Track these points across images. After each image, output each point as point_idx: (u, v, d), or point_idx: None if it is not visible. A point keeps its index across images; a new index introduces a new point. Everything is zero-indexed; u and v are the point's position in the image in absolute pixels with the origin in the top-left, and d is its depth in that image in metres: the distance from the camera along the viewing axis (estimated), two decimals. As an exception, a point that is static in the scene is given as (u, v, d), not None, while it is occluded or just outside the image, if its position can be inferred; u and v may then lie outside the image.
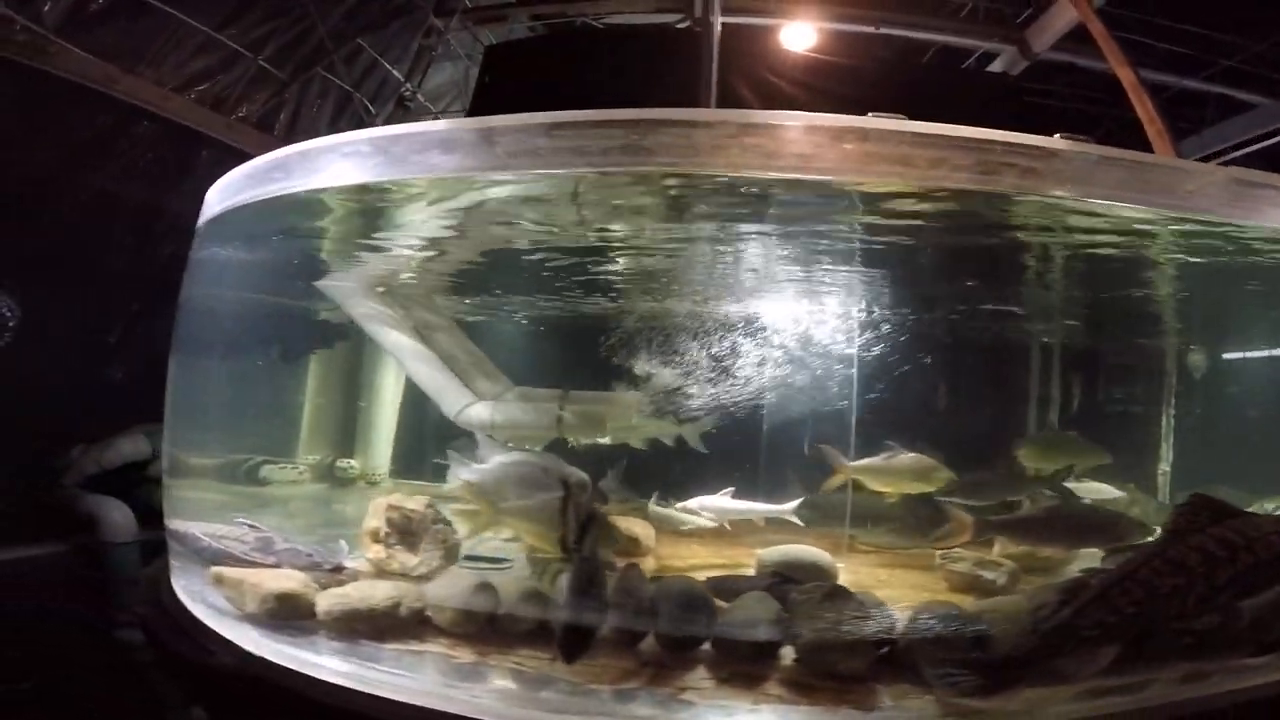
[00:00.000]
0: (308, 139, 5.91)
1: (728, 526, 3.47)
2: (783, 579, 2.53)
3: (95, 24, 4.47)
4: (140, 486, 4.65)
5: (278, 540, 2.75)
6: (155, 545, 4.51)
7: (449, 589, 2.44)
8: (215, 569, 2.47)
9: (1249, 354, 4.10)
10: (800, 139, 2.02)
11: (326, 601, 2.37)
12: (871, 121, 2.00)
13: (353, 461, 4.45)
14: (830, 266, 3.07)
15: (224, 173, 5.20)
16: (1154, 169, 2.28)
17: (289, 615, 2.36)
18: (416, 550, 2.92)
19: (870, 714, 1.93)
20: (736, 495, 3.50)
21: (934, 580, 2.94)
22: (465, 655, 2.25)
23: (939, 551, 2.97)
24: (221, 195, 2.94)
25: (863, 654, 2.05)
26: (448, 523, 2.99)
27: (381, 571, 2.80)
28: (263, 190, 2.72)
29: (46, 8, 4.19)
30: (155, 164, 5.16)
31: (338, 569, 2.73)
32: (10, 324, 4.38)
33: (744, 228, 2.80)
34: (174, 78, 5.09)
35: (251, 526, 2.81)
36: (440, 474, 3.65)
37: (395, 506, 2.98)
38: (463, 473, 2.99)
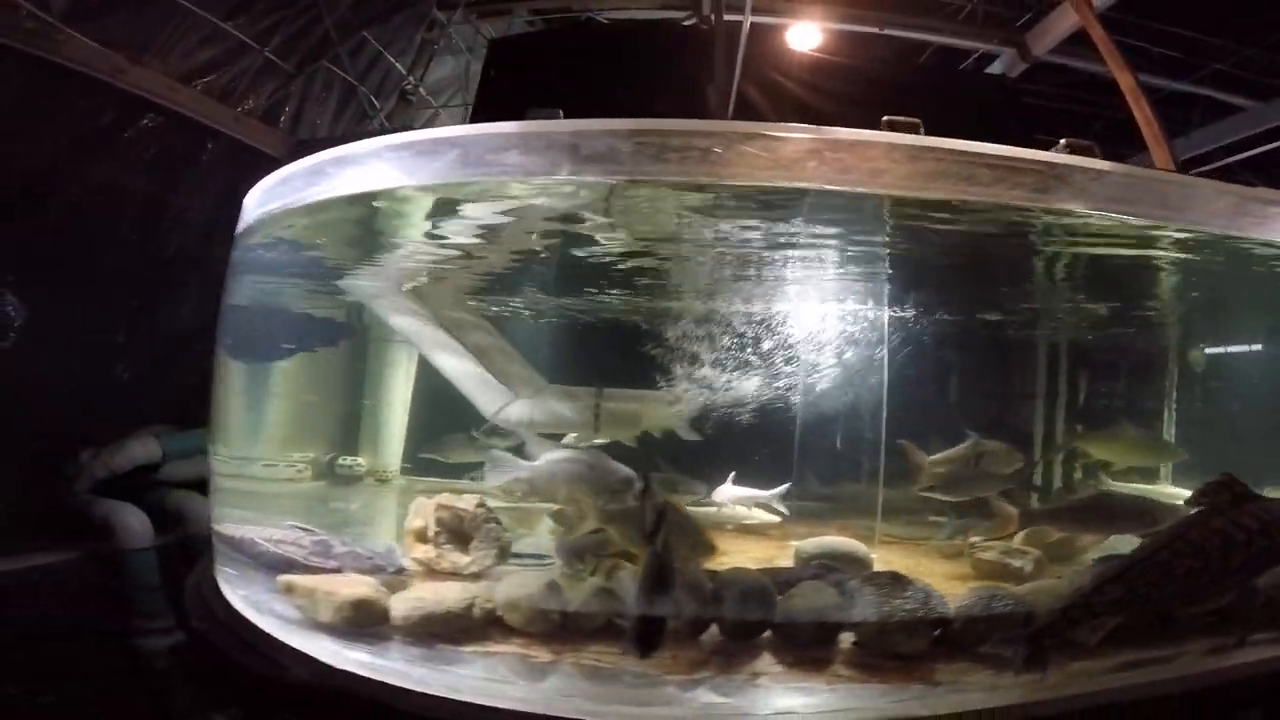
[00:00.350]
0: (312, 133, 5.81)
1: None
2: (827, 568, 2.60)
3: (101, 12, 4.31)
4: (152, 490, 4.47)
5: (335, 543, 2.64)
6: (172, 551, 4.38)
7: (520, 588, 2.38)
8: (285, 578, 2.36)
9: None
10: (878, 156, 2.11)
11: (403, 606, 2.29)
12: (941, 141, 2.10)
13: (358, 459, 4.31)
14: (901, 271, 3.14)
15: (230, 166, 5.08)
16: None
17: (364, 623, 2.27)
18: (468, 549, 2.88)
19: (937, 688, 2.07)
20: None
21: (963, 568, 3.05)
22: (542, 654, 2.22)
23: (970, 541, 3.08)
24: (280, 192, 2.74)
25: (923, 635, 2.20)
26: (499, 521, 2.94)
27: (432, 572, 2.75)
28: (320, 189, 2.57)
29: (52, -8, 4.01)
30: (160, 158, 4.95)
31: (399, 571, 2.63)
32: (15, 323, 4.18)
33: (820, 230, 2.79)
34: (180, 68, 4.92)
35: (304, 530, 2.69)
36: (450, 471, 3.83)
37: (446, 506, 2.94)
38: (513, 470, 2.95)
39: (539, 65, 7.13)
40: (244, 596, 2.50)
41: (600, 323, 4.07)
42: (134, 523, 4.12)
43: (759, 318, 3.20)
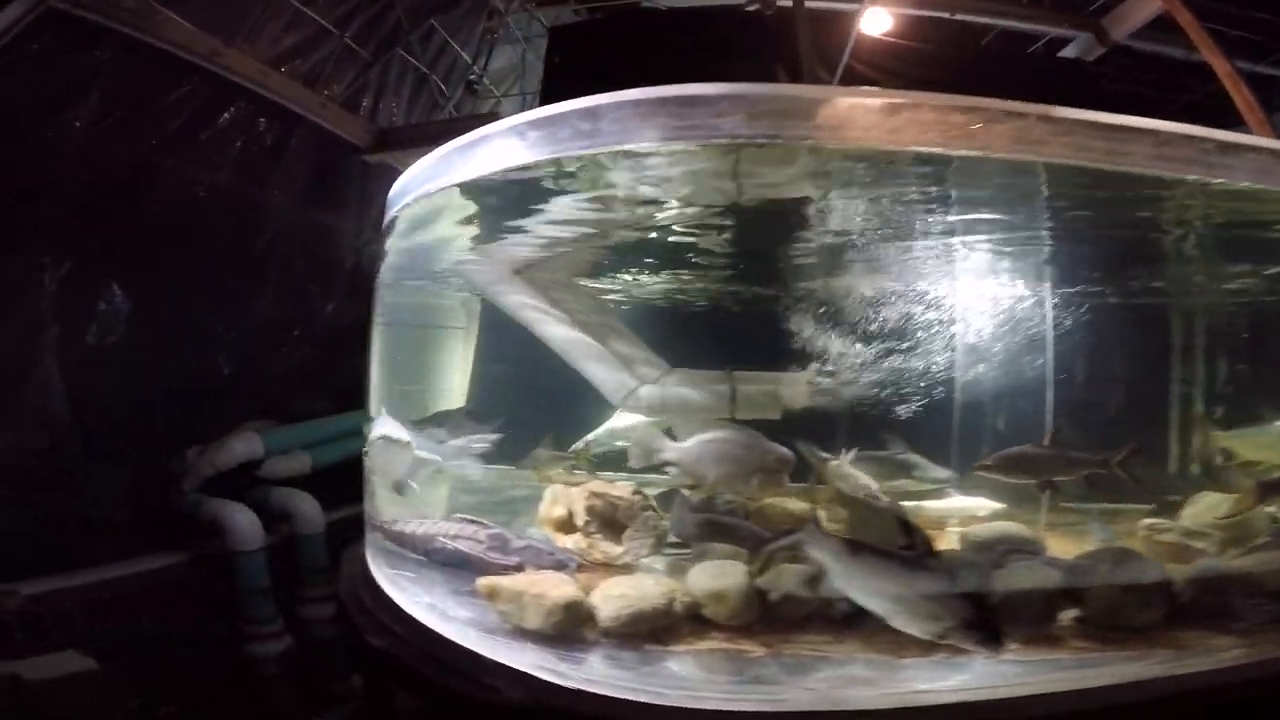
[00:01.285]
0: (389, 121, 5.64)
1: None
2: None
3: (192, -5, 4.15)
4: (256, 488, 4.31)
5: (511, 537, 2.45)
6: (277, 550, 4.21)
7: (724, 579, 2.20)
8: (486, 580, 2.13)
9: None
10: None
11: (610, 606, 2.08)
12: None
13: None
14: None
15: (316, 155, 4.92)
16: None
17: (573, 626, 2.06)
18: (621, 539, 2.73)
19: (1181, 652, 2.07)
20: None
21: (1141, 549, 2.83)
22: (752, 648, 2.08)
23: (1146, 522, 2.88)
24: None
25: (1158, 606, 2.18)
26: (656, 509, 2.80)
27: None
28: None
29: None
30: (249, 148, 4.80)
31: (580, 567, 2.44)
32: (122, 316, 4.02)
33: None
34: (267, 54, 4.76)
35: (473, 522, 2.51)
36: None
37: (599, 494, 2.80)
38: (665, 452, 2.85)
39: (601, 52, 6.98)
40: (429, 605, 2.27)
41: (732, 304, 3.90)
42: (244, 523, 3.95)
43: (915, 296, 3.03)
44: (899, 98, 2.15)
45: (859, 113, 2.12)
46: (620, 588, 2.14)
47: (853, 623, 2.08)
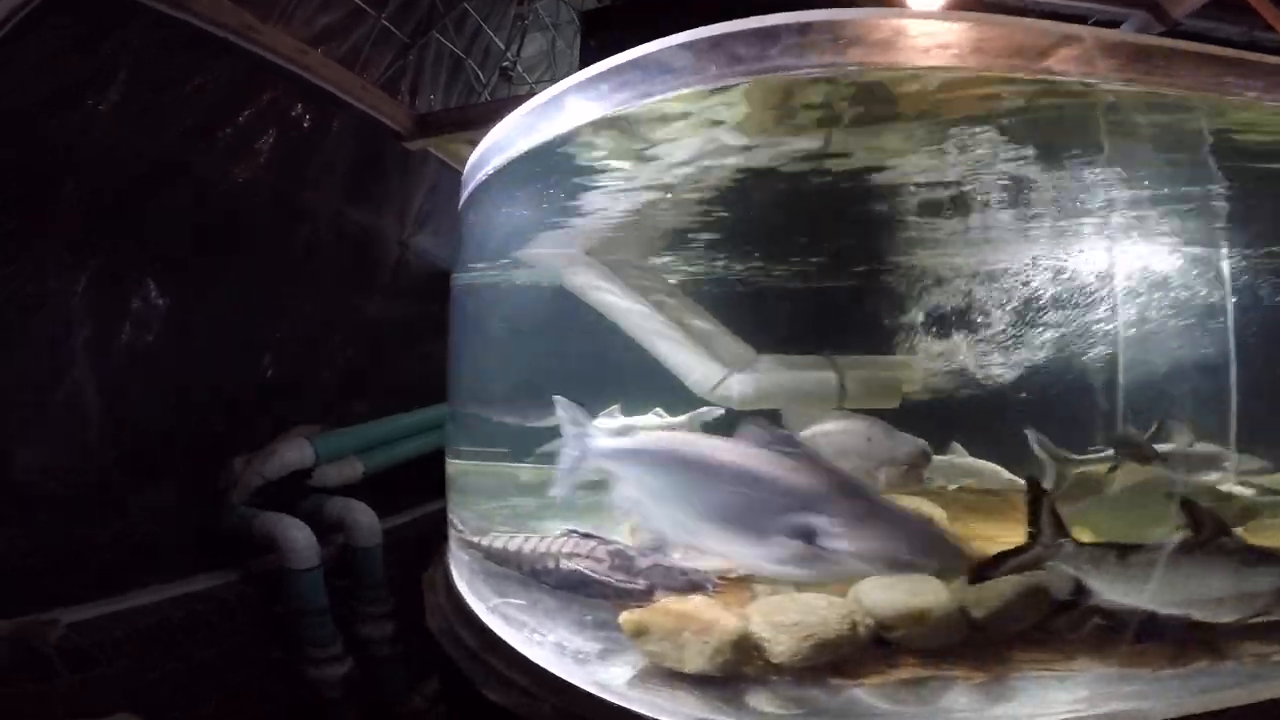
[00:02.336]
0: (429, 107, 5.29)
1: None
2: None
3: (223, -34, 3.81)
4: (308, 499, 3.97)
5: (635, 554, 2.08)
6: (331, 564, 3.87)
7: (922, 597, 1.82)
8: (631, 616, 1.74)
9: None
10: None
11: (785, 638, 1.69)
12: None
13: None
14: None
15: (358, 143, 4.60)
16: None
17: (740, 664, 1.68)
18: None
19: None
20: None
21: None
22: (971, 674, 1.71)
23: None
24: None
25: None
26: None
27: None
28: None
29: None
30: (290, 132, 4.46)
31: (718, 587, 2.07)
32: (160, 315, 3.69)
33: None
34: (303, 34, 4.41)
35: (589, 536, 2.15)
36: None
37: None
38: None
39: (637, 33, 6.68)
40: (555, 644, 1.87)
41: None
42: (299, 539, 3.59)
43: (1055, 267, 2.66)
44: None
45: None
46: (788, 613, 1.75)
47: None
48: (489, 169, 2.72)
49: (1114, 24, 7.87)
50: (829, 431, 2.60)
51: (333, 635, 3.69)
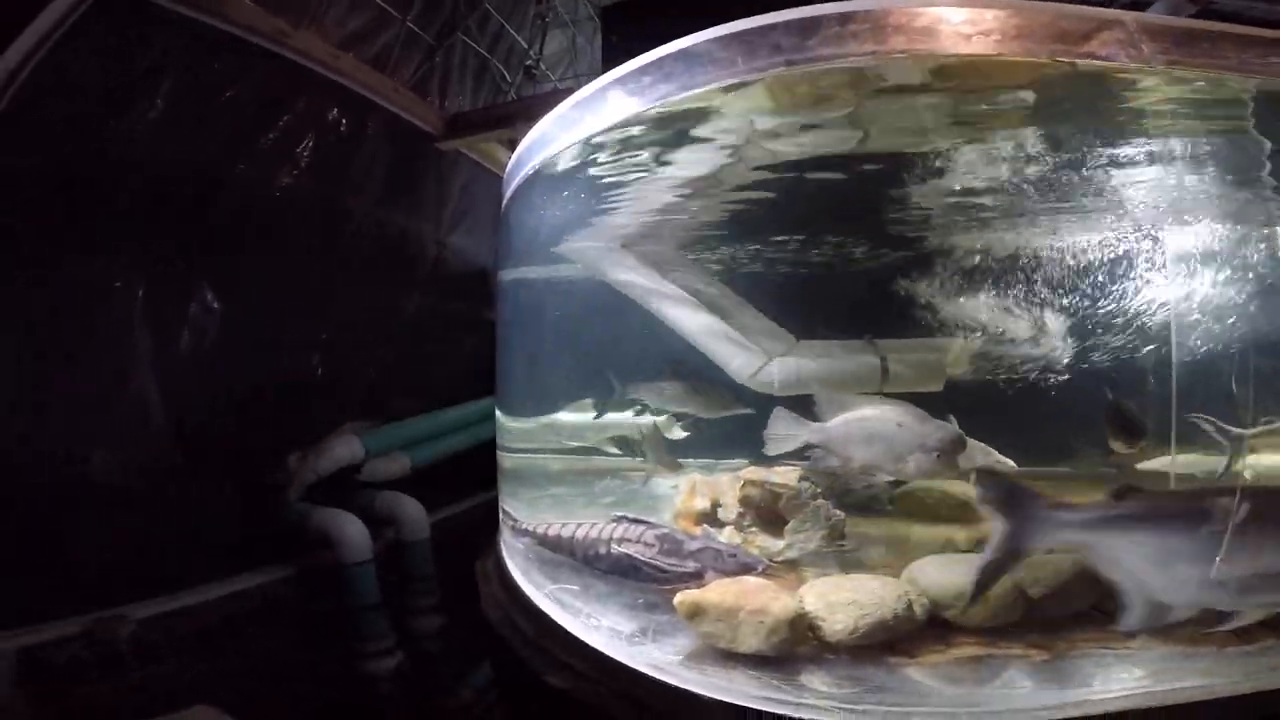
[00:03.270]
0: (457, 108, 5.35)
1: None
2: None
3: (253, -27, 3.90)
4: (359, 493, 4.08)
5: (683, 537, 2.12)
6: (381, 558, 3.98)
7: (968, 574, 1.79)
8: (686, 597, 1.77)
9: None
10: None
11: (842, 617, 1.72)
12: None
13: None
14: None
15: (393, 144, 4.67)
16: None
17: (795, 644, 1.71)
18: (782, 531, 2.46)
19: None
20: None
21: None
22: (1031, 652, 1.73)
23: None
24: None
25: None
26: (825, 498, 2.52)
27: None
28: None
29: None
30: (328, 136, 4.57)
31: (768, 569, 2.10)
32: (215, 319, 3.81)
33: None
34: (334, 38, 4.50)
35: (637, 521, 2.18)
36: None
37: (755, 481, 2.54)
38: (801, 432, 2.52)
39: (658, 28, 6.67)
40: (609, 628, 1.90)
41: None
42: (353, 533, 3.70)
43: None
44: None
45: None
46: (843, 593, 1.79)
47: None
48: (532, 165, 2.77)
49: (1144, 5, 7.67)
50: (861, 418, 2.51)
51: (385, 629, 3.79)
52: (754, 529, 2.51)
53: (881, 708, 1.52)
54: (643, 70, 2.18)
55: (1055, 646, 1.71)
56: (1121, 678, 1.63)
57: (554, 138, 2.62)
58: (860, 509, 2.83)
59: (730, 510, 2.61)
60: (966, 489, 2.74)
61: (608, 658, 1.78)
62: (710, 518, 2.63)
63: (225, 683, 3.33)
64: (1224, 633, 1.68)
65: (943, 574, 1.85)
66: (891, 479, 2.68)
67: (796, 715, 1.53)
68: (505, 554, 2.50)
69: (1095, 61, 1.78)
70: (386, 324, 5.10)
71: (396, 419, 4.70)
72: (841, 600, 1.75)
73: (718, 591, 1.76)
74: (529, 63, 7.21)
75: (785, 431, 2.54)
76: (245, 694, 3.35)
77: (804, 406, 2.63)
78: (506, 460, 2.72)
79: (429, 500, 4.38)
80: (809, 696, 1.60)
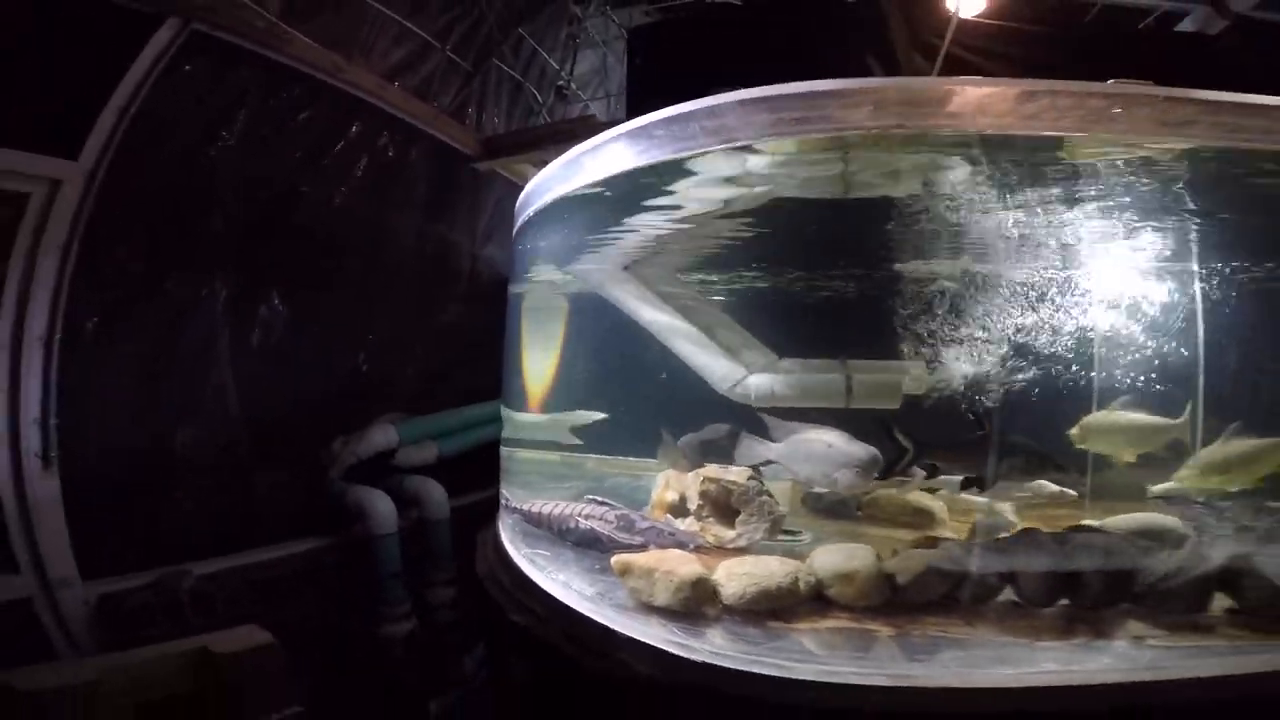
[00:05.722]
0: (493, 130, 5.87)
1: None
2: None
3: (310, 13, 4.46)
4: (391, 476, 4.67)
5: (637, 518, 2.61)
6: (406, 534, 4.55)
7: (853, 561, 2.25)
8: (621, 558, 2.27)
9: None
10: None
11: (735, 584, 2.18)
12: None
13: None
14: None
15: (435, 166, 5.22)
16: None
17: (700, 602, 2.17)
18: (733, 523, 2.83)
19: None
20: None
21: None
22: (881, 628, 2.13)
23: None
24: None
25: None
26: (771, 494, 2.88)
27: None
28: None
29: (267, -5, 4.18)
30: (378, 160, 5.17)
31: (699, 548, 2.57)
32: (281, 321, 4.48)
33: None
34: (380, 69, 5.07)
35: (603, 503, 2.68)
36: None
37: (713, 479, 2.90)
38: (762, 450, 2.96)
39: (681, 51, 7.02)
40: (563, 583, 2.43)
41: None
42: (382, 508, 4.31)
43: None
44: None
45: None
46: (745, 566, 2.24)
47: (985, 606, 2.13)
48: (537, 205, 3.22)
49: (1177, 18, 7.82)
50: (803, 439, 2.92)
51: (404, 596, 4.37)
52: (710, 519, 2.88)
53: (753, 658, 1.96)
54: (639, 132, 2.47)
55: (906, 626, 2.10)
56: (954, 658, 1.97)
57: (548, 188, 3.05)
58: (830, 513, 3.25)
59: (692, 503, 2.97)
60: (921, 498, 3.16)
61: (560, 603, 2.30)
62: (679, 509, 3.01)
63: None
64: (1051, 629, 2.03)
65: (830, 559, 2.26)
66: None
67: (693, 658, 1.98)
68: (500, 527, 3.02)
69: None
70: (425, 328, 5.66)
71: (431, 413, 5.23)
72: (740, 571, 2.20)
73: (644, 556, 2.25)
74: (560, 83, 7.67)
75: (750, 450, 3.00)
76: (281, 644, 3.93)
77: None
78: (505, 450, 3.23)
79: (453, 486, 4.88)
80: (705, 644, 2.04)
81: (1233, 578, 2.10)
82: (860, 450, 2.73)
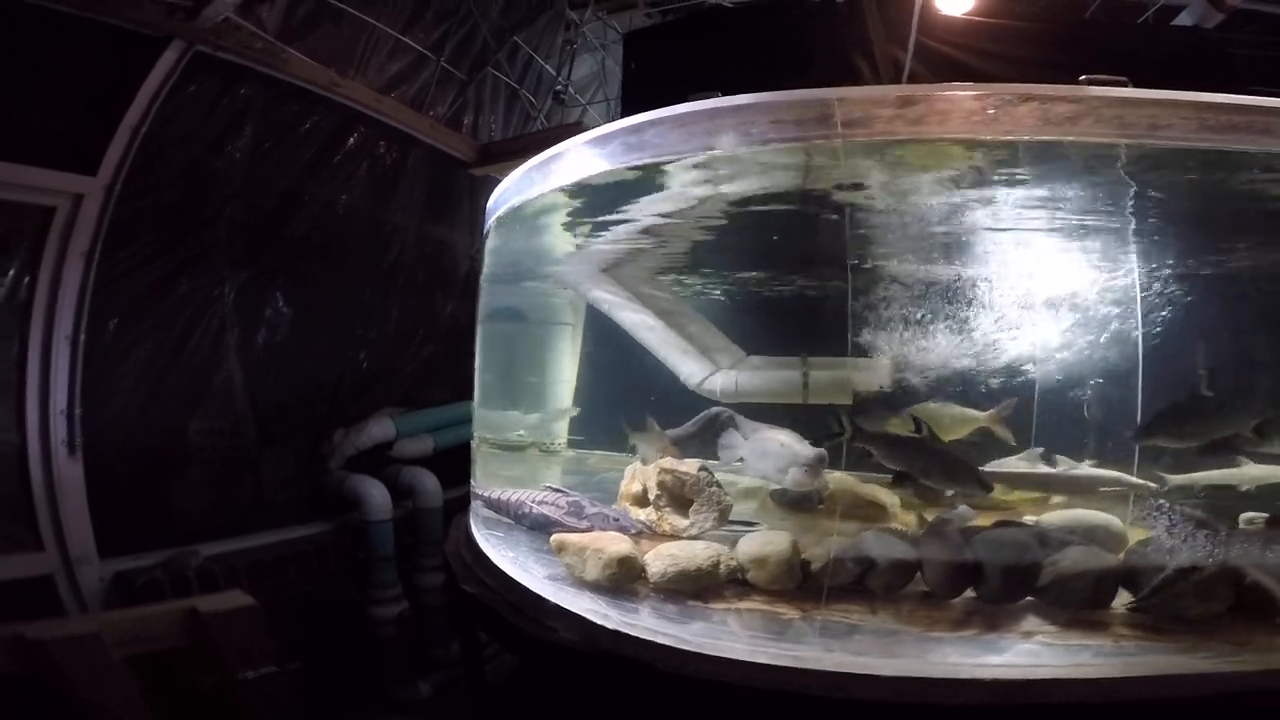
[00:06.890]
0: (489, 137, 6.13)
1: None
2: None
3: (306, 31, 4.71)
4: (387, 467, 4.98)
5: (585, 504, 2.86)
6: (401, 522, 4.86)
7: (768, 547, 2.42)
8: (557, 537, 2.53)
9: None
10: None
11: (659, 564, 2.38)
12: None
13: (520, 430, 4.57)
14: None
15: (431, 173, 5.47)
16: None
17: (626, 579, 2.39)
18: (688, 512, 2.97)
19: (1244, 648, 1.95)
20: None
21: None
22: (789, 611, 2.27)
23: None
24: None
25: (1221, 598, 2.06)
26: (720, 485, 3.02)
27: (653, 534, 2.87)
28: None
29: (265, 14, 4.41)
30: (376, 168, 5.48)
31: (639, 533, 2.80)
32: (287, 318, 4.82)
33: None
34: (377, 82, 5.31)
35: (558, 491, 2.94)
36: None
37: (668, 470, 3.04)
38: (738, 449, 3.15)
39: (675, 54, 7.13)
40: (513, 560, 2.71)
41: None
42: (378, 496, 4.63)
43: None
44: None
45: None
46: (671, 549, 2.45)
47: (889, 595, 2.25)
48: (503, 210, 3.43)
49: (1174, 11, 7.82)
50: (762, 438, 3.09)
51: (394, 580, 4.69)
52: (668, 509, 3.02)
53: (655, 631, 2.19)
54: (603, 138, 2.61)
55: (812, 610, 2.23)
56: (843, 639, 2.09)
57: (528, 184, 3.19)
58: (794, 505, 3.35)
59: (651, 493, 3.10)
60: (877, 492, 3.29)
61: (508, 577, 2.59)
62: (643, 499, 3.15)
63: (266, 612, 4.23)
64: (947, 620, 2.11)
65: (748, 545, 2.45)
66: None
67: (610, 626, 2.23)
68: (470, 512, 3.32)
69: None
70: (423, 326, 5.93)
71: (428, 407, 5.49)
72: (666, 553, 2.41)
73: (579, 536, 2.51)
74: (558, 88, 7.83)
75: (728, 446, 3.21)
76: (280, 621, 4.20)
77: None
78: (474, 442, 3.50)
79: (446, 478, 5.12)
80: (625, 616, 2.27)
81: (1134, 575, 2.13)
82: (807, 450, 2.90)
